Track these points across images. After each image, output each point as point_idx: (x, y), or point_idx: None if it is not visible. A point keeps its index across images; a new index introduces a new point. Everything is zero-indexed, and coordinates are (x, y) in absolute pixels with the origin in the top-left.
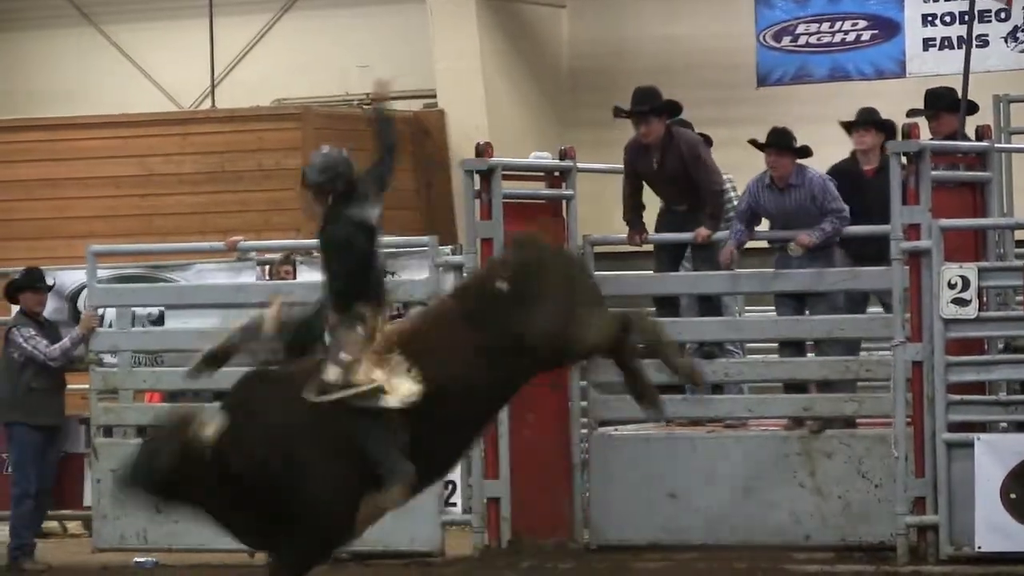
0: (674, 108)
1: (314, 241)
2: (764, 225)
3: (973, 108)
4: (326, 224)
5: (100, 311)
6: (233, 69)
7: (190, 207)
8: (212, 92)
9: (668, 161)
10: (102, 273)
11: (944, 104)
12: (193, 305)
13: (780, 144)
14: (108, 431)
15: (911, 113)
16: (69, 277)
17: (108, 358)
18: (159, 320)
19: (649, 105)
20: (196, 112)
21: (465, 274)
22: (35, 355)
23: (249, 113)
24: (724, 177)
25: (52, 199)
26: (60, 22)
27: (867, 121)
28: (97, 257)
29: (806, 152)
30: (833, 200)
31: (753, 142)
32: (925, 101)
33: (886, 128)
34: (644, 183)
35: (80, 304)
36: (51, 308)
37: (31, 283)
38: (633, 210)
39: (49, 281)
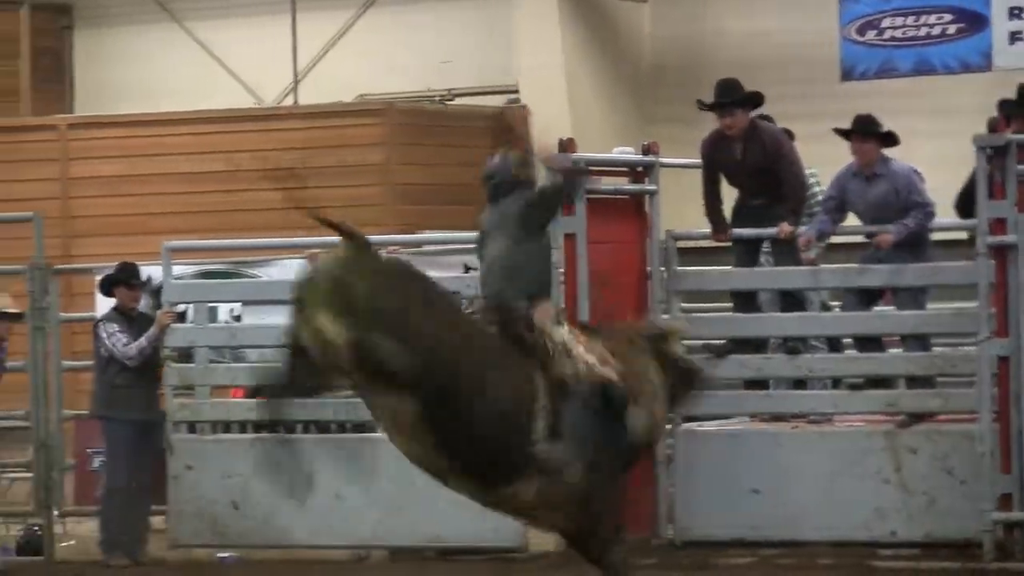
0: (757, 99)
1: (398, 236)
2: (850, 220)
3: None
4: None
5: (180, 307)
6: (316, 65)
7: (272, 203)
8: (295, 88)
9: (751, 153)
10: (186, 269)
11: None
12: (270, 301)
13: (864, 130)
14: (192, 427)
15: (1002, 105)
16: (153, 273)
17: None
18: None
19: (732, 97)
20: (278, 108)
21: None
22: (114, 352)
23: (331, 109)
24: (807, 172)
25: (134, 195)
26: (143, 18)
27: None
28: (173, 253)
29: (892, 138)
30: (917, 194)
31: (838, 130)
32: (1019, 95)
33: None
34: (721, 177)
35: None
36: (141, 304)
37: (126, 278)
38: (714, 208)
39: (143, 277)
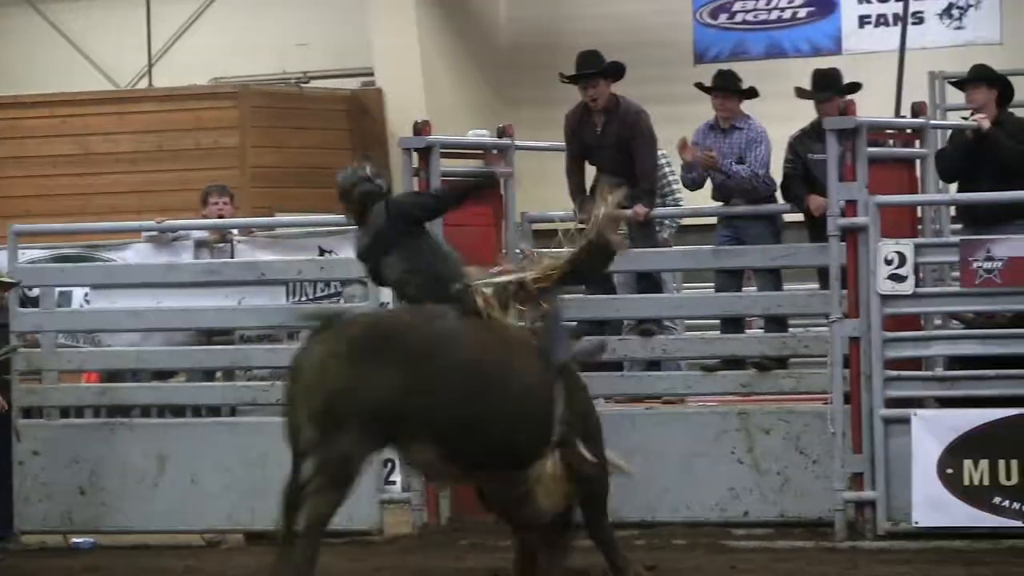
0: (619, 69)
1: (250, 219)
2: (701, 201)
3: (856, 87)
4: (383, 226)
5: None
6: (170, 48)
7: (128, 186)
8: (149, 71)
9: (611, 127)
10: (39, 253)
11: (835, 86)
12: (121, 285)
13: (726, 86)
14: (40, 412)
15: (800, 94)
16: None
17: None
18: None
19: (595, 67)
20: (133, 91)
21: None
22: None
23: (186, 92)
24: (659, 152)
25: None
26: None
27: (978, 78)
28: (21, 237)
29: (752, 93)
30: (754, 154)
31: (700, 85)
32: (813, 83)
33: (1001, 83)
34: (585, 156)
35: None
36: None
37: None
38: (579, 190)
39: None
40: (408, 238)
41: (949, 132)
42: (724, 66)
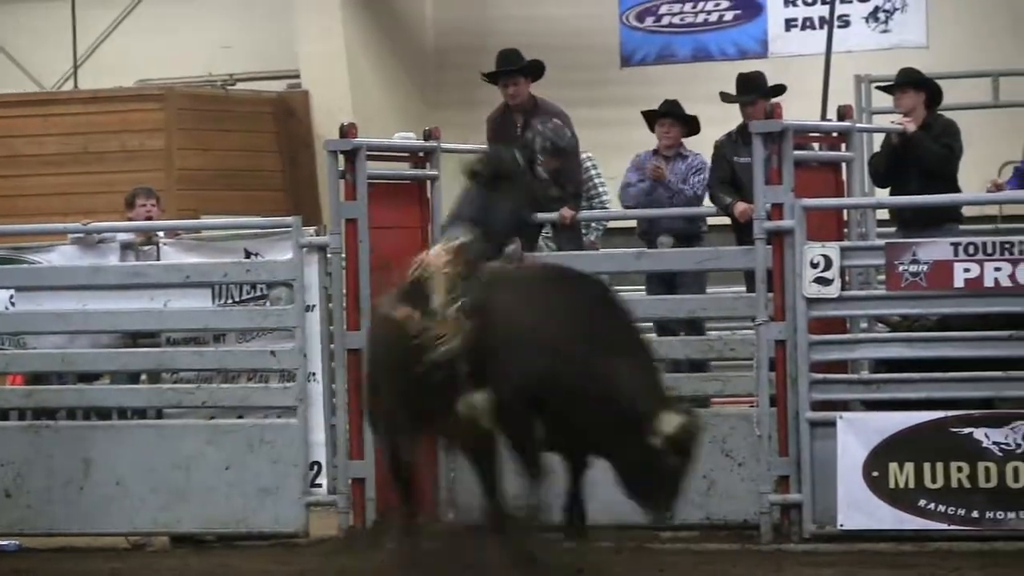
0: (539, 68)
1: (176, 222)
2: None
3: (780, 89)
4: None
5: None
6: (96, 50)
7: (53, 188)
8: (75, 73)
9: (531, 129)
10: None
11: (759, 89)
12: (46, 287)
13: (673, 114)
14: None
15: (724, 98)
16: None
17: None
18: None
19: (515, 64)
20: (59, 93)
21: (330, 255)
22: None
23: (112, 94)
24: (583, 155)
25: None
26: None
27: (906, 82)
28: None
29: (695, 126)
30: (699, 182)
31: (646, 112)
32: (737, 86)
33: (928, 86)
34: None
35: None
36: None
37: None
38: None
39: None
40: None
41: (877, 136)
42: (651, 69)
